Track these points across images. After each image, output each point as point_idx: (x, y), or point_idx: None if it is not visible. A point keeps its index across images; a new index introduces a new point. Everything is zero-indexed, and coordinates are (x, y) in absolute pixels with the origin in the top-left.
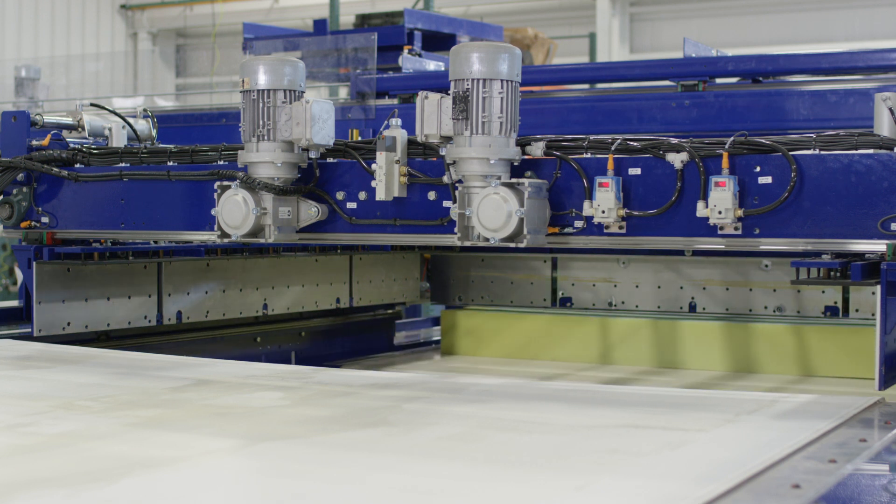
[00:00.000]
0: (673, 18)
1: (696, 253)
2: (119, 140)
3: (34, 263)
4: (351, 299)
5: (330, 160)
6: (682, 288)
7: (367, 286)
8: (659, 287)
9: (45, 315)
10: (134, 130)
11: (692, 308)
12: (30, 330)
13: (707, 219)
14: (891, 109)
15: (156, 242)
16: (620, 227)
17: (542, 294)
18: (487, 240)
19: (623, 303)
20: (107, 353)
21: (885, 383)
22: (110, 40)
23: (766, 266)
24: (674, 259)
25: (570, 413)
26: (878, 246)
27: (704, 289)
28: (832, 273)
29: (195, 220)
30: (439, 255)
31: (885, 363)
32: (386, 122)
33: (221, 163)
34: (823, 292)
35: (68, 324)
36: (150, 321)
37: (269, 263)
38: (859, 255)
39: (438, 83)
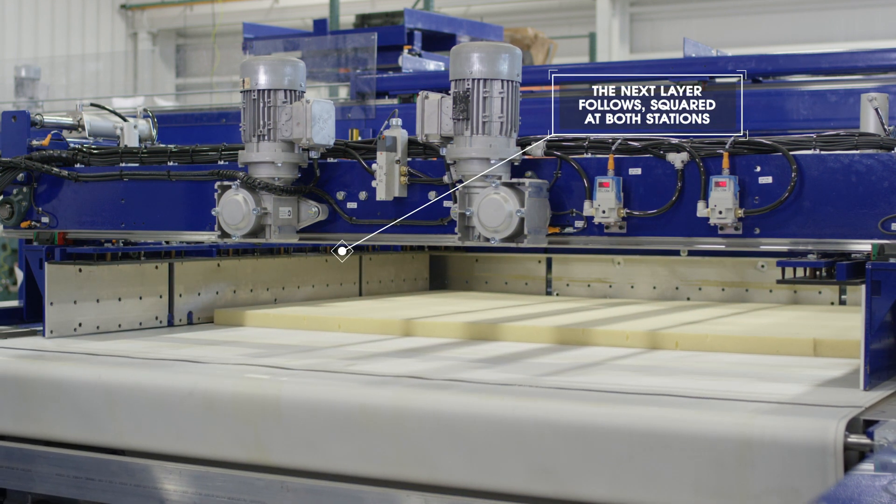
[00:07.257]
0: (673, 18)
1: (691, 253)
2: (131, 140)
3: (46, 264)
4: None
5: (330, 160)
6: (677, 288)
7: (377, 286)
8: (654, 287)
9: (57, 316)
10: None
11: None
12: (30, 329)
13: (707, 219)
14: (877, 110)
15: (167, 243)
16: (621, 228)
17: (538, 293)
18: (488, 240)
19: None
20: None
21: (870, 383)
22: (110, 40)
23: (762, 266)
24: (669, 259)
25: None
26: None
27: (700, 289)
28: (817, 273)
29: (195, 220)
30: (434, 254)
31: (869, 363)
32: (386, 122)
33: (222, 163)
34: (820, 293)
35: (80, 325)
36: (161, 322)
37: (279, 264)
38: (846, 255)
39: (438, 83)
